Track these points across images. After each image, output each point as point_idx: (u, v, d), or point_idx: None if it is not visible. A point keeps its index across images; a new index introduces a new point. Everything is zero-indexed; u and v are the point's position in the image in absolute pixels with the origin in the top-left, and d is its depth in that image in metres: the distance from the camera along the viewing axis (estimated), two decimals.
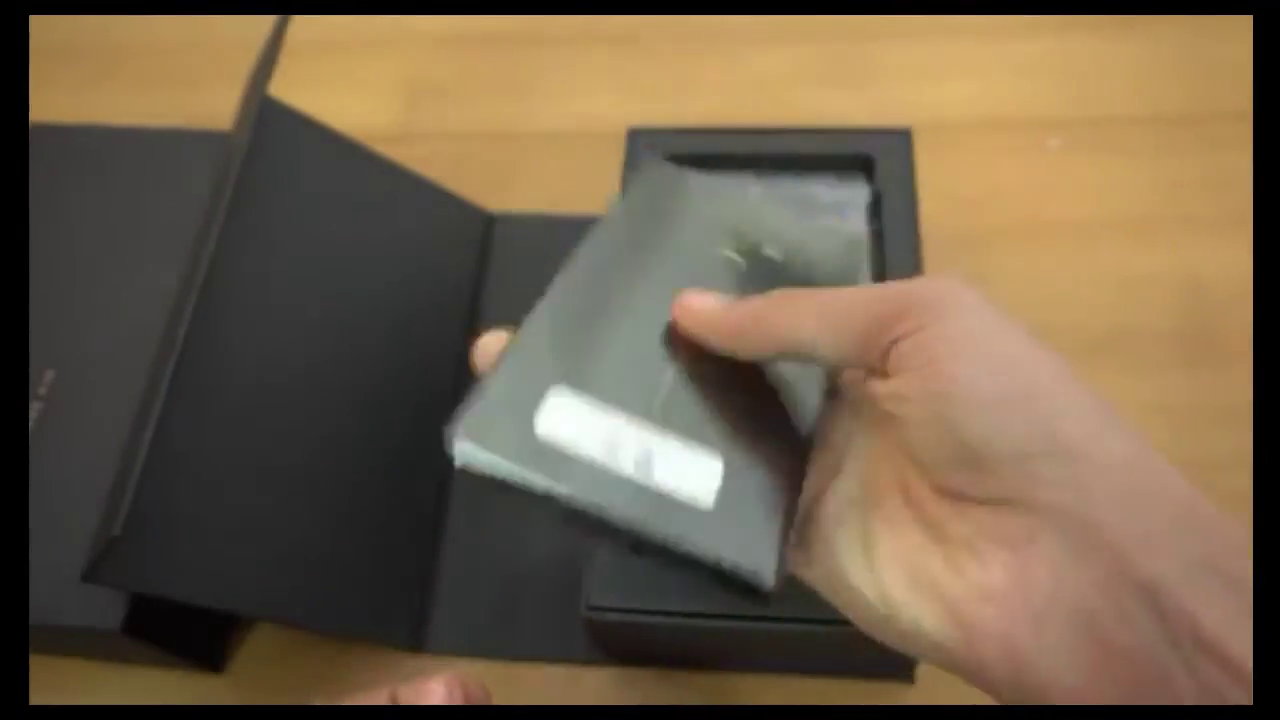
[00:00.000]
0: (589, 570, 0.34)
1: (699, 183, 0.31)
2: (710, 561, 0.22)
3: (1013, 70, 0.54)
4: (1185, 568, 0.19)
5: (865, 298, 0.23)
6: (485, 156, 0.54)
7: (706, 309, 0.26)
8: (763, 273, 0.28)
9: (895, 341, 0.22)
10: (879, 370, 0.23)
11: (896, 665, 0.38)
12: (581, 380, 0.24)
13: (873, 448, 0.25)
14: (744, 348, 0.25)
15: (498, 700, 0.40)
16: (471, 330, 0.48)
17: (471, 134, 0.55)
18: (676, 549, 0.22)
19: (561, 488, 0.22)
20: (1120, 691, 0.19)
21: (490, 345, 0.26)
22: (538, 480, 0.22)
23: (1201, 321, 0.46)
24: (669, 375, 0.25)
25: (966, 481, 0.21)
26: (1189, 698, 0.18)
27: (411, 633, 0.41)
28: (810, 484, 0.24)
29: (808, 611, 0.33)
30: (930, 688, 0.39)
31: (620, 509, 0.22)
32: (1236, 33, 0.53)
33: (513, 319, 0.52)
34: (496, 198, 0.52)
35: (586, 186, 0.51)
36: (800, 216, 0.31)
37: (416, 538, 0.43)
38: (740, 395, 0.25)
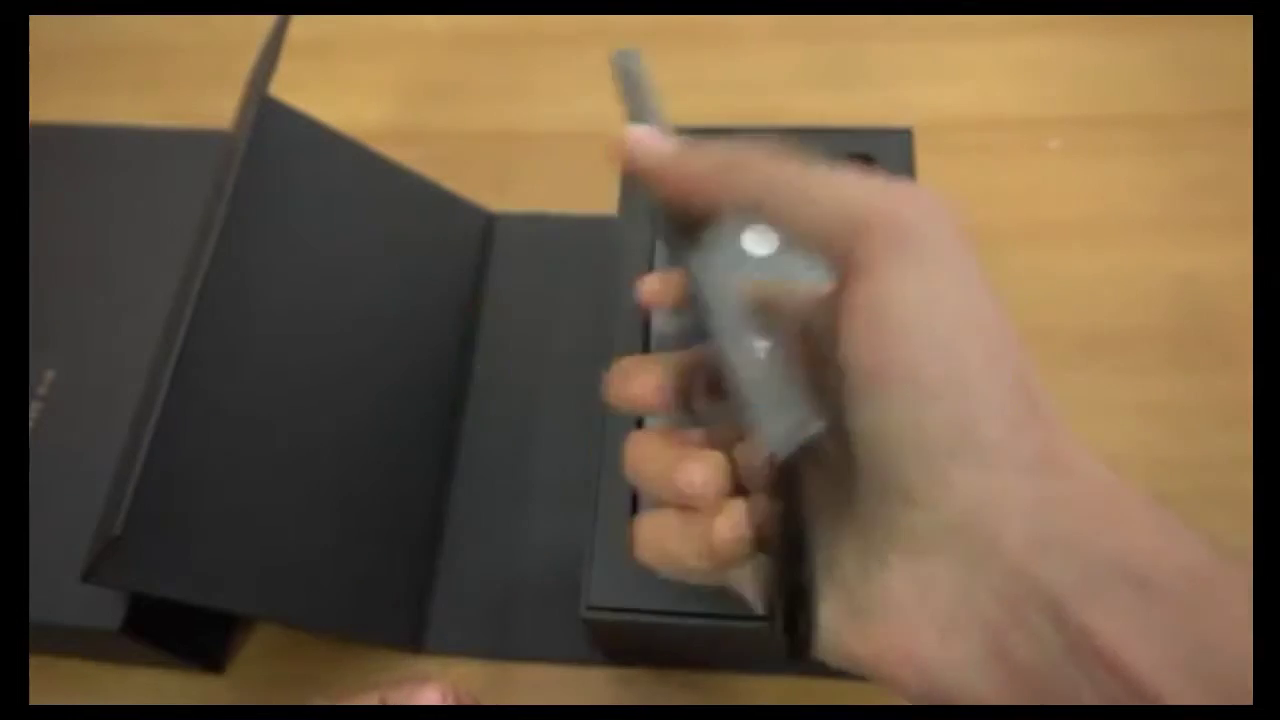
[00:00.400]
0: (588, 570, 0.34)
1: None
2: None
3: (1013, 70, 0.54)
4: (1086, 576, 0.18)
5: (836, 195, 0.22)
6: (485, 156, 0.54)
7: (660, 147, 0.25)
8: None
9: (851, 263, 0.21)
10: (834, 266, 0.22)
11: None
12: None
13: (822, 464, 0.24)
14: (701, 195, 0.24)
15: (497, 700, 0.40)
16: (472, 330, 0.48)
17: (471, 134, 0.55)
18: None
19: None
20: (1031, 703, 0.19)
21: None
22: None
23: (1201, 321, 0.46)
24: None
25: (878, 477, 0.21)
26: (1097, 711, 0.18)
27: (411, 632, 0.41)
28: None
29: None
30: None
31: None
32: (1236, 33, 0.53)
33: (513, 319, 0.52)
34: (496, 198, 0.52)
35: (586, 186, 0.51)
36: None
37: (416, 538, 0.43)
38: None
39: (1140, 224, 0.49)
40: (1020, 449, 0.20)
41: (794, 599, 0.22)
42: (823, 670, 0.41)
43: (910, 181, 0.22)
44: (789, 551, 0.22)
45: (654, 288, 0.28)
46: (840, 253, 0.22)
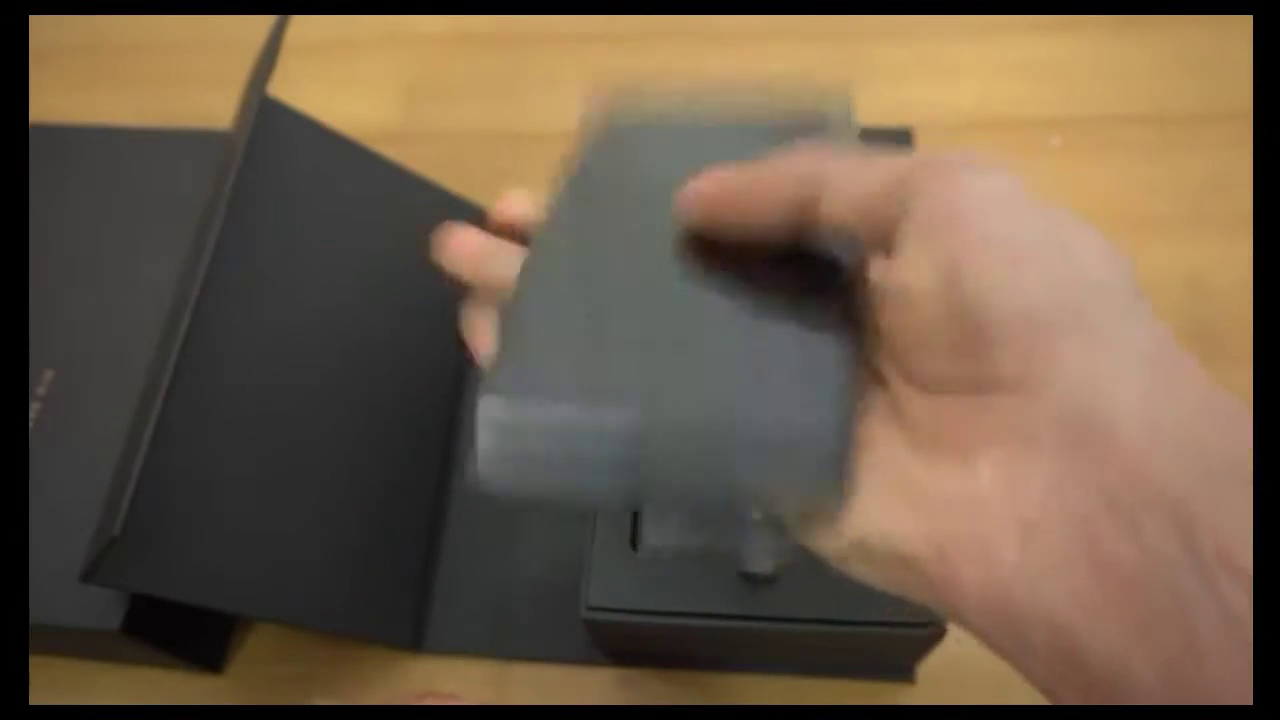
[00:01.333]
0: (588, 570, 0.34)
1: (648, 136, 0.30)
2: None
3: (1013, 70, 0.54)
4: (1212, 478, 0.16)
5: (882, 161, 0.21)
6: (485, 156, 0.54)
7: (713, 182, 0.23)
8: None
9: (906, 202, 0.20)
10: (886, 247, 0.20)
11: (896, 665, 0.38)
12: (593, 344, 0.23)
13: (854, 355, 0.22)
14: (750, 212, 0.23)
15: (497, 700, 0.40)
16: None
17: (471, 134, 0.55)
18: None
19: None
20: (1120, 624, 0.16)
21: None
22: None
23: (1202, 321, 0.46)
24: (664, 326, 0.23)
25: (968, 362, 0.19)
26: (1206, 627, 0.15)
27: (411, 632, 0.41)
28: None
29: (808, 611, 0.33)
30: (930, 688, 0.39)
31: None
32: (1236, 33, 0.53)
33: None
34: (496, 198, 0.51)
35: None
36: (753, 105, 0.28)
37: (416, 537, 0.43)
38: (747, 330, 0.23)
39: (1141, 224, 0.49)
40: (1136, 336, 0.18)
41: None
42: (823, 670, 0.41)
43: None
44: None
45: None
46: (893, 211, 0.20)
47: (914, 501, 0.19)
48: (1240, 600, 0.15)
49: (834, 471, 0.20)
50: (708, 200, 0.24)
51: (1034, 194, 0.20)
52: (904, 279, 0.20)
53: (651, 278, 0.24)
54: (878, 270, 0.21)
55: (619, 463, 0.21)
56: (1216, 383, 0.18)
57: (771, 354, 0.22)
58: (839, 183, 0.21)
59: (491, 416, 0.21)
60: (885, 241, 0.20)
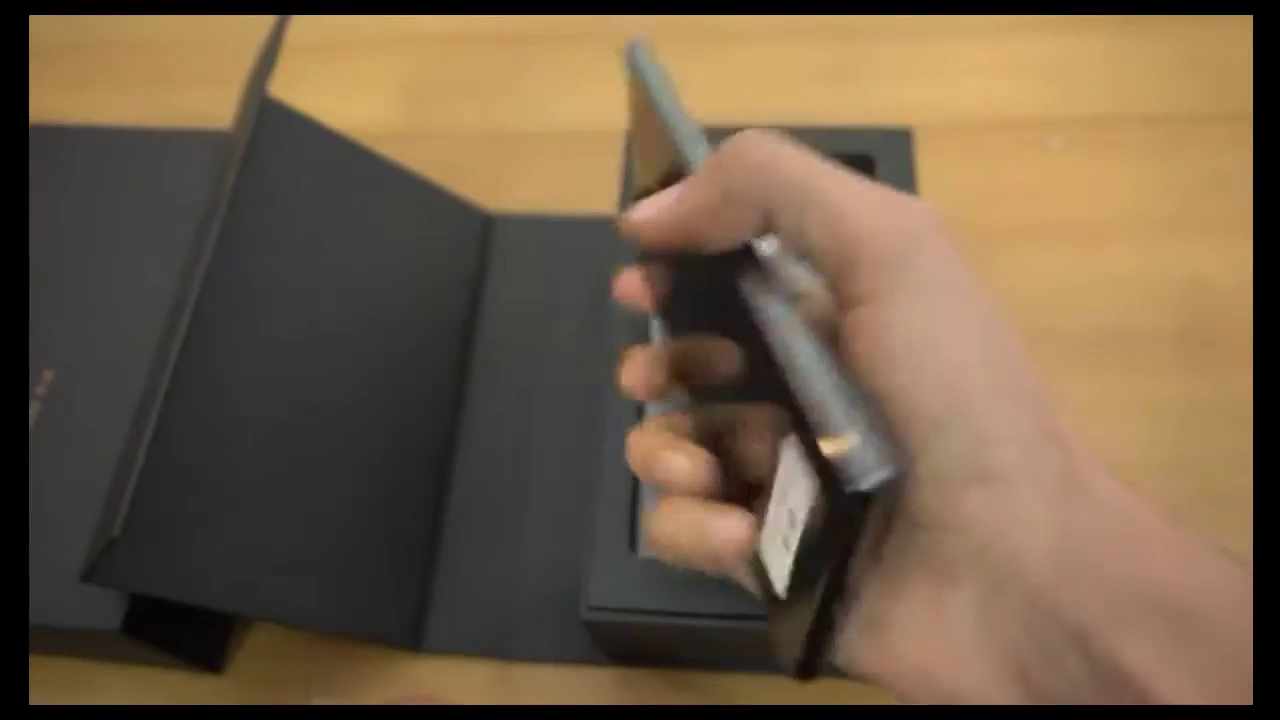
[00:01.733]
0: (588, 570, 0.34)
1: None
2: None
3: (1014, 70, 0.54)
4: (1112, 605, 0.18)
5: (829, 218, 0.21)
6: (485, 156, 0.54)
7: (660, 215, 0.24)
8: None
9: (846, 289, 0.21)
10: (838, 289, 0.21)
11: None
12: None
13: None
14: (699, 237, 0.23)
15: (497, 700, 0.40)
16: (471, 330, 0.48)
17: (471, 134, 0.55)
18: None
19: None
20: None
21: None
22: None
23: (1201, 321, 0.46)
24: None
25: (899, 499, 0.20)
26: None
27: (411, 632, 0.41)
28: None
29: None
30: None
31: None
32: (1236, 33, 0.53)
33: (512, 319, 0.52)
34: (496, 198, 0.52)
35: (586, 186, 0.51)
36: None
37: (416, 538, 0.43)
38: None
39: (1141, 224, 0.49)
40: (1038, 473, 0.19)
41: (821, 631, 0.22)
42: (823, 670, 0.40)
43: (903, 196, 0.21)
44: (830, 587, 0.21)
45: (629, 286, 0.28)
46: (836, 276, 0.21)
47: (870, 624, 0.21)
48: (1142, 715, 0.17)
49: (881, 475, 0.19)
50: (654, 230, 0.24)
51: (955, 298, 0.20)
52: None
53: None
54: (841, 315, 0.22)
55: None
56: (1130, 499, 0.19)
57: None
58: (788, 227, 0.22)
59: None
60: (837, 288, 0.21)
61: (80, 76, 0.59)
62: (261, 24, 0.42)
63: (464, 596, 0.42)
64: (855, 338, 0.20)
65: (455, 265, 0.49)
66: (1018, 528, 0.19)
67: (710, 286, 0.25)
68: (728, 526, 0.23)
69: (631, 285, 0.29)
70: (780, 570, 0.23)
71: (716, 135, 0.30)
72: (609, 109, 0.56)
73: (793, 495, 0.21)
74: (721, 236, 0.23)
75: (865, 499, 0.18)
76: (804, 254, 0.22)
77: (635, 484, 0.35)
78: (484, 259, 0.50)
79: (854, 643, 0.22)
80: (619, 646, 0.39)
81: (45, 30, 0.59)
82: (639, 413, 0.36)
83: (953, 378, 0.20)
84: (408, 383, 0.45)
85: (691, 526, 0.24)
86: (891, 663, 0.21)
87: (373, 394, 0.43)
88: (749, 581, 0.26)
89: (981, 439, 0.19)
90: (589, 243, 0.49)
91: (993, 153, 0.51)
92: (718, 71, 0.56)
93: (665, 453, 0.25)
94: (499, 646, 0.41)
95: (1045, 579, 0.19)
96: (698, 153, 0.24)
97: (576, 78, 0.56)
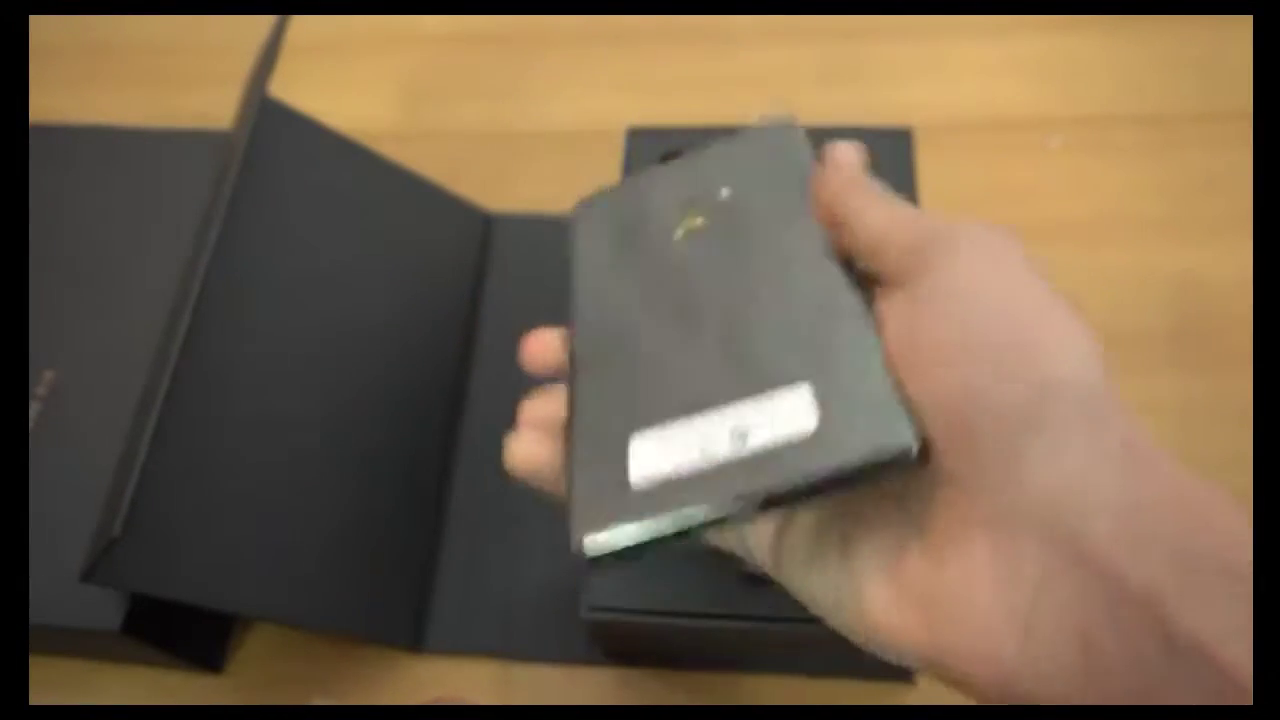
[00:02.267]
0: (589, 570, 0.34)
1: (631, 186, 0.31)
2: (851, 472, 0.20)
3: (1013, 70, 0.54)
4: (1182, 573, 0.17)
5: (898, 218, 0.23)
6: (485, 156, 0.54)
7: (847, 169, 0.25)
8: (726, 217, 0.27)
9: (912, 263, 0.21)
10: (885, 278, 0.22)
11: (897, 665, 0.38)
12: (645, 416, 0.24)
13: None
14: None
15: (498, 700, 0.40)
16: (471, 330, 0.48)
17: (471, 134, 0.55)
18: (815, 485, 0.20)
19: (686, 517, 0.21)
20: (1121, 703, 0.18)
21: (538, 409, 0.27)
22: (665, 525, 0.22)
23: (1201, 321, 0.46)
24: (704, 355, 0.24)
25: (954, 455, 0.20)
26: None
27: (412, 632, 0.41)
28: None
29: (807, 611, 0.33)
30: (930, 688, 0.39)
31: (744, 498, 0.21)
32: (1236, 33, 0.53)
33: (512, 319, 0.52)
34: (496, 198, 0.52)
35: (586, 186, 0.51)
36: (728, 137, 0.30)
37: (417, 537, 0.43)
38: (772, 320, 0.24)
39: (1141, 224, 0.49)
40: (1102, 435, 0.19)
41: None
42: (823, 670, 0.41)
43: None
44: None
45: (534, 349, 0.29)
46: (902, 253, 0.22)
47: (919, 598, 0.20)
48: (1214, 682, 0.17)
49: (906, 428, 0.20)
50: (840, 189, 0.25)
51: (1026, 275, 0.21)
52: (907, 337, 0.21)
53: (669, 338, 0.26)
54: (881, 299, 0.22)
55: (715, 513, 0.22)
56: (1189, 473, 0.19)
57: (817, 378, 0.22)
58: (855, 223, 0.23)
59: (589, 553, 0.22)
60: (891, 285, 0.22)
61: (80, 77, 0.59)
62: (261, 24, 0.43)
63: (464, 596, 0.42)
64: (917, 302, 0.21)
65: (455, 265, 0.49)
66: (1079, 488, 0.19)
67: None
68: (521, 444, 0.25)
69: (541, 345, 0.29)
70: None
71: (717, 135, 0.30)
72: (609, 109, 0.57)
73: (763, 424, 0.22)
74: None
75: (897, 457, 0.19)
76: (867, 242, 0.23)
77: None
78: (484, 259, 0.50)
79: (901, 621, 0.21)
80: (619, 646, 0.39)
81: (46, 30, 0.59)
82: None
83: (1023, 327, 0.20)
84: (408, 382, 0.45)
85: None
86: (945, 640, 0.20)
87: (373, 394, 0.43)
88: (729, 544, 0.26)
89: (1049, 390, 0.19)
90: None
91: (992, 153, 0.51)
92: (718, 71, 0.56)
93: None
94: (499, 646, 0.41)
95: (1113, 541, 0.18)
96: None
97: (576, 78, 0.57)
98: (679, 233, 0.28)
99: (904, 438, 0.20)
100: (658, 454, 0.23)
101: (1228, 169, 0.49)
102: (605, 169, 0.43)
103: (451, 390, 0.46)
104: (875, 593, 0.21)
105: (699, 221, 0.28)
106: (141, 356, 0.40)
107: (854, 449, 0.20)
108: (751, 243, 0.26)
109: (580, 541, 0.22)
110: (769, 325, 0.24)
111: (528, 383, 0.47)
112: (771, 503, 0.21)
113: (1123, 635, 0.18)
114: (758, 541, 0.25)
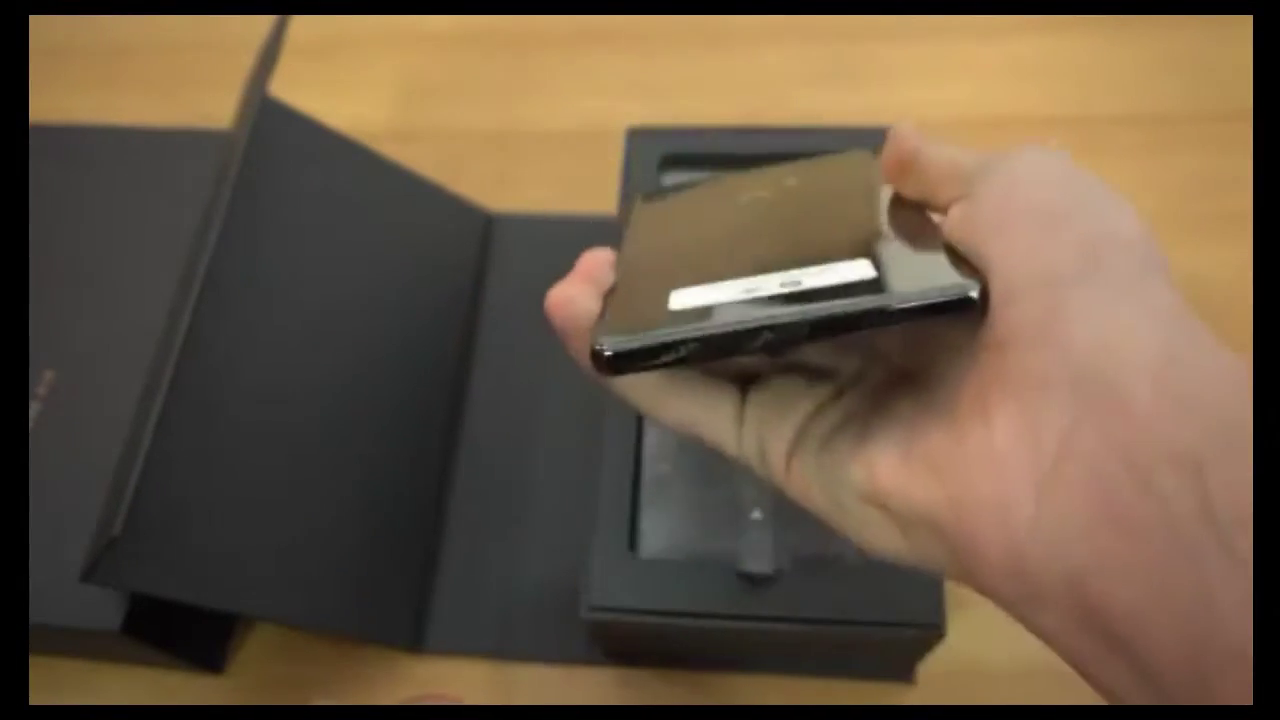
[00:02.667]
0: (588, 570, 0.34)
1: (692, 183, 0.31)
2: (912, 311, 0.19)
3: (1013, 70, 0.54)
4: (1227, 437, 0.16)
5: (961, 151, 0.23)
6: (485, 156, 0.54)
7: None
8: (788, 198, 0.27)
9: (972, 180, 0.21)
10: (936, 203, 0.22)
11: (896, 665, 0.38)
12: (692, 278, 0.23)
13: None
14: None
15: (498, 700, 0.40)
16: (471, 330, 0.48)
17: (471, 134, 0.55)
18: (871, 315, 0.19)
19: (719, 325, 0.20)
20: (1137, 577, 0.16)
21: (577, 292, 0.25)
22: (690, 331, 0.20)
23: (1201, 321, 0.46)
24: (758, 244, 0.24)
25: (991, 321, 0.19)
26: (1222, 581, 0.16)
27: (412, 633, 0.41)
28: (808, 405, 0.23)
29: (808, 611, 0.33)
30: (930, 688, 0.39)
31: (792, 315, 0.20)
32: (1236, 33, 0.53)
33: (512, 319, 0.52)
34: (496, 198, 0.52)
35: (586, 186, 0.51)
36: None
37: (417, 538, 0.43)
38: (833, 221, 0.24)
39: None
40: (1151, 292, 0.18)
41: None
42: (823, 670, 0.41)
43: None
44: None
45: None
46: (967, 177, 0.22)
47: (933, 464, 0.20)
48: (1249, 549, 0.15)
49: (967, 275, 0.20)
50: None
51: (1078, 169, 0.21)
52: (954, 234, 0.21)
53: (739, 229, 0.25)
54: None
55: (759, 323, 0.20)
56: (1230, 352, 0.18)
57: (875, 254, 0.22)
58: (922, 159, 0.23)
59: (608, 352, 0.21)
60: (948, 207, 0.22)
61: (81, 77, 0.59)
62: (261, 24, 0.42)
63: (464, 597, 0.42)
64: (971, 200, 0.21)
65: (455, 265, 0.49)
66: (1125, 342, 0.18)
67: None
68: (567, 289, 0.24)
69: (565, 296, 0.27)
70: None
71: (718, 135, 0.30)
72: (609, 109, 0.57)
73: (816, 275, 0.21)
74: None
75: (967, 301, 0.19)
76: (935, 173, 0.23)
77: (635, 484, 0.35)
78: (484, 259, 0.50)
79: (907, 475, 0.20)
80: (619, 646, 0.39)
81: (47, 30, 0.59)
82: (640, 415, 0.36)
83: (1077, 191, 0.20)
84: (408, 382, 0.45)
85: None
86: (952, 489, 0.19)
87: (373, 394, 0.43)
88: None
89: (1103, 238, 0.19)
90: (589, 243, 0.48)
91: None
92: (718, 71, 0.56)
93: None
94: (499, 646, 0.41)
95: (1152, 404, 0.17)
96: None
97: (576, 78, 0.57)
98: (743, 198, 0.27)
99: (966, 284, 0.19)
100: (701, 293, 0.22)
101: (1226, 168, 0.49)
102: (605, 169, 0.43)
103: (451, 390, 0.46)
104: (887, 463, 0.21)
105: (763, 194, 0.27)
106: (141, 356, 0.40)
107: (916, 289, 0.19)
108: (814, 198, 0.26)
109: (600, 340, 0.21)
110: (828, 223, 0.24)
111: (528, 383, 0.47)
112: (822, 328, 0.20)
113: (1157, 496, 0.16)
114: (777, 435, 0.24)
